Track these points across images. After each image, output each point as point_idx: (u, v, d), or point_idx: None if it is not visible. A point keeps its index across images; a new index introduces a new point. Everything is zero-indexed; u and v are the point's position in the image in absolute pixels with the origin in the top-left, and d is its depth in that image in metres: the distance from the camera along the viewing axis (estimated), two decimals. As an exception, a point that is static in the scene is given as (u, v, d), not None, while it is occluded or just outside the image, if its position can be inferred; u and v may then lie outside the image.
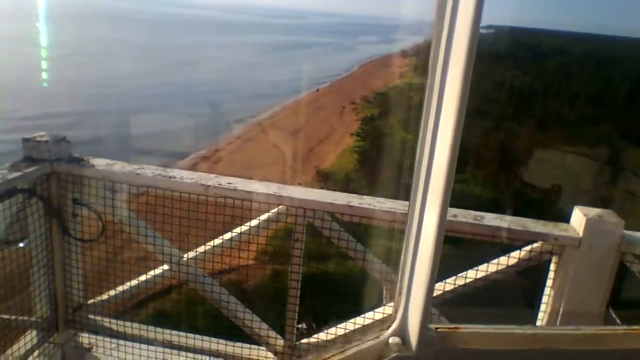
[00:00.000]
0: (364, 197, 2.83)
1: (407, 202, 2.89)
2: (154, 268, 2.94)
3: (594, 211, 2.73)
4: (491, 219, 2.80)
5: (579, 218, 2.73)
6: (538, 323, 2.90)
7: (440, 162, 1.40)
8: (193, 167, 30.62)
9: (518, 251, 2.80)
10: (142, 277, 2.95)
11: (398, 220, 2.72)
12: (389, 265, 2.85)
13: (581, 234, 2.67)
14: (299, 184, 31.00)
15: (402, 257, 1.52)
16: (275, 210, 2.78)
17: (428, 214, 1.47)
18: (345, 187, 32.58)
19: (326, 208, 2.74)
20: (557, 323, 2.82)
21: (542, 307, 2.89)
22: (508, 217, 2.84)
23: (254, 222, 2.79)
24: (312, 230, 2.82)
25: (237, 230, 2.81)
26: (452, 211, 2.84)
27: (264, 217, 2.80)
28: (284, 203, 2.75)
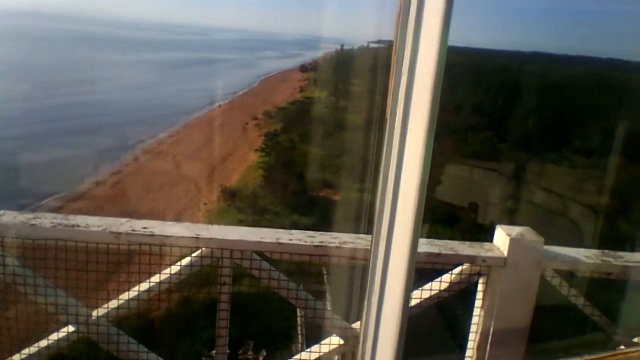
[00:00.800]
0: (293, 232, 2.69)
1: (336, 234, 2.80)
2: (57, 330, 2.55)
3: (515, 230, 2.82)
4: (421, 245, 2.78)
5: (502, 237, 2.80)
6: (470, 345, 2.93)
7: (408, 192, 1.29)
8: (88, 193, 28.48)
9: (449, 275, 2.81)
10: (43, 342, 2.55)
11: (331, 255, 2.61)
12: (323, 303, 2.73)
13: (506, 253, 2.74)
14: (205, 203, 30.07)
15: (363, 315, 1.39)
16: (197, 253, 2.54)
17: (395, 254, 1.36)
18: (253, 203, 32.21)
19: (254, 247, 2.56)
20: (489, 342, 2.86)
21: (473, 327, 2.92)
22: (437, 242, 2.85)
23: (175, 269, 2.53)
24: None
25: (155, 279, 2.52)
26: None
27: (185, 261, 2.54)
28: (207, 245, 2.52)
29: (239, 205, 32.49)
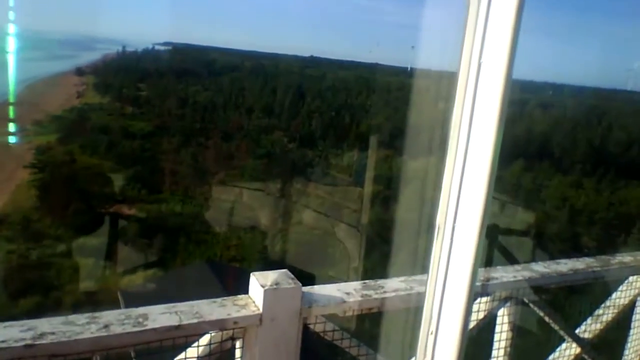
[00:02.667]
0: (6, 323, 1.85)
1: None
2: None
3: (270, 278, 2.42)
4: (157, 316, 2.19)
5: (256, 289, 2.38)
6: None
7: None
8: None
9: (195, 348, 2.27)
10: None
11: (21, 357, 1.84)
12: None
13: (261, 308, 2.32)
14: (-43, 238, 24.66)
15: None
16: None
17: None
18: (25, 229, 27.97)
19: None
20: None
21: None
22: (179, 306, 2.28)
23: None
24: None
25: None
26: (104, 317, 2.12)
27: None
28: None
29: (8, 234, 28.00)
